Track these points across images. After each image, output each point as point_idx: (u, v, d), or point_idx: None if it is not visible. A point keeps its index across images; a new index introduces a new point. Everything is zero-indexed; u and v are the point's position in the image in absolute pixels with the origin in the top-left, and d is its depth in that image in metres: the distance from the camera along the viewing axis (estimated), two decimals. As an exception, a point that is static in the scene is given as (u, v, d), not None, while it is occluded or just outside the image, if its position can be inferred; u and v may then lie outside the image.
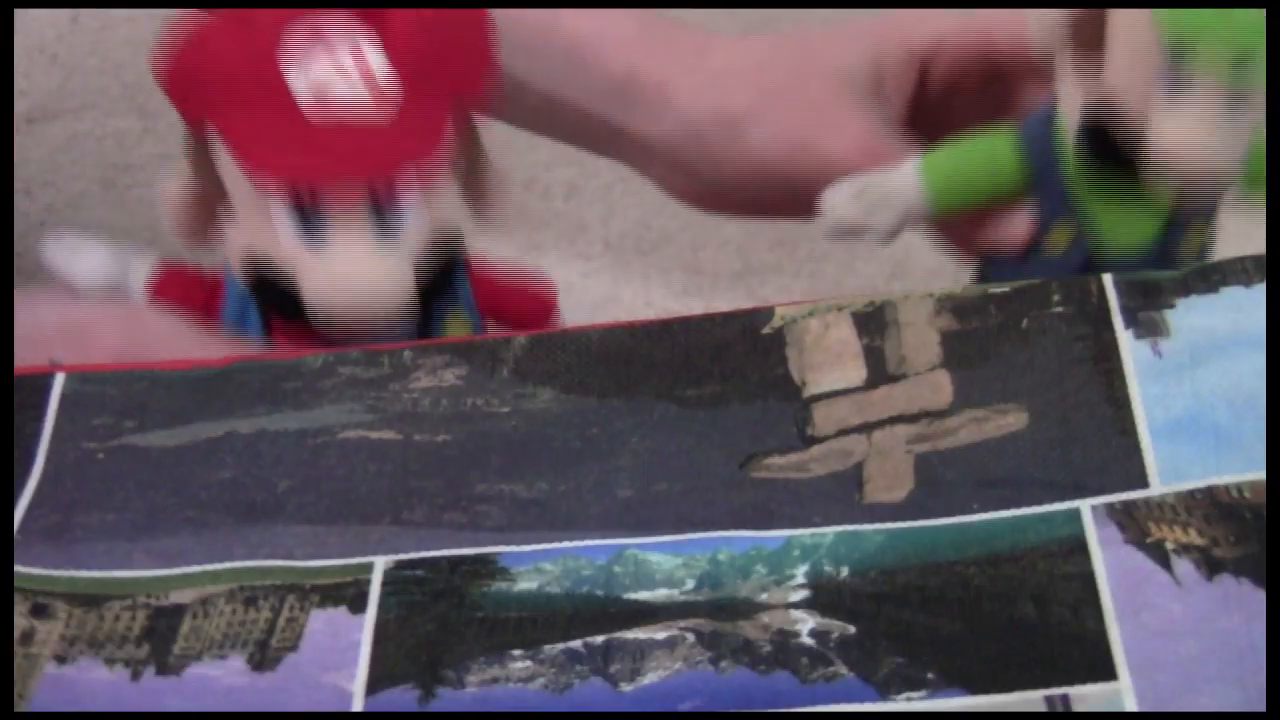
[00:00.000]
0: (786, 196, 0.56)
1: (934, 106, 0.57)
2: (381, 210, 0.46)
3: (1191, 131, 0.45)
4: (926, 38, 0.56)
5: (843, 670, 0.38)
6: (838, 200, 0.52)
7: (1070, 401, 0.42)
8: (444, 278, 0.48)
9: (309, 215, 0.46)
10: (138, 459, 0.44)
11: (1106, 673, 0.37)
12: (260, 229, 0.47)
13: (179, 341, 0.49)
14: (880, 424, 0.43)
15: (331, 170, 0.45)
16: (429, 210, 0.47)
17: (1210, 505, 0.39)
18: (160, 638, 0.40)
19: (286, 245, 0.46)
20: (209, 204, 0.48)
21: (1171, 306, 0.43)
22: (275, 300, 0.47)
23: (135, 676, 0.39)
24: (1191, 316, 0.43)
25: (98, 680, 0.39)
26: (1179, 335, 0.42)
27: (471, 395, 0.45)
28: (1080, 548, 0.39)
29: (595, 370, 0.45)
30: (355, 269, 0.46)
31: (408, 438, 0.44)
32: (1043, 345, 0.43)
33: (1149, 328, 0.43)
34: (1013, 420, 0.42)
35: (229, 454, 0.44)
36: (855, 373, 0.44)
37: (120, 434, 0.45)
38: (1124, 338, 0.43)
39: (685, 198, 0.60)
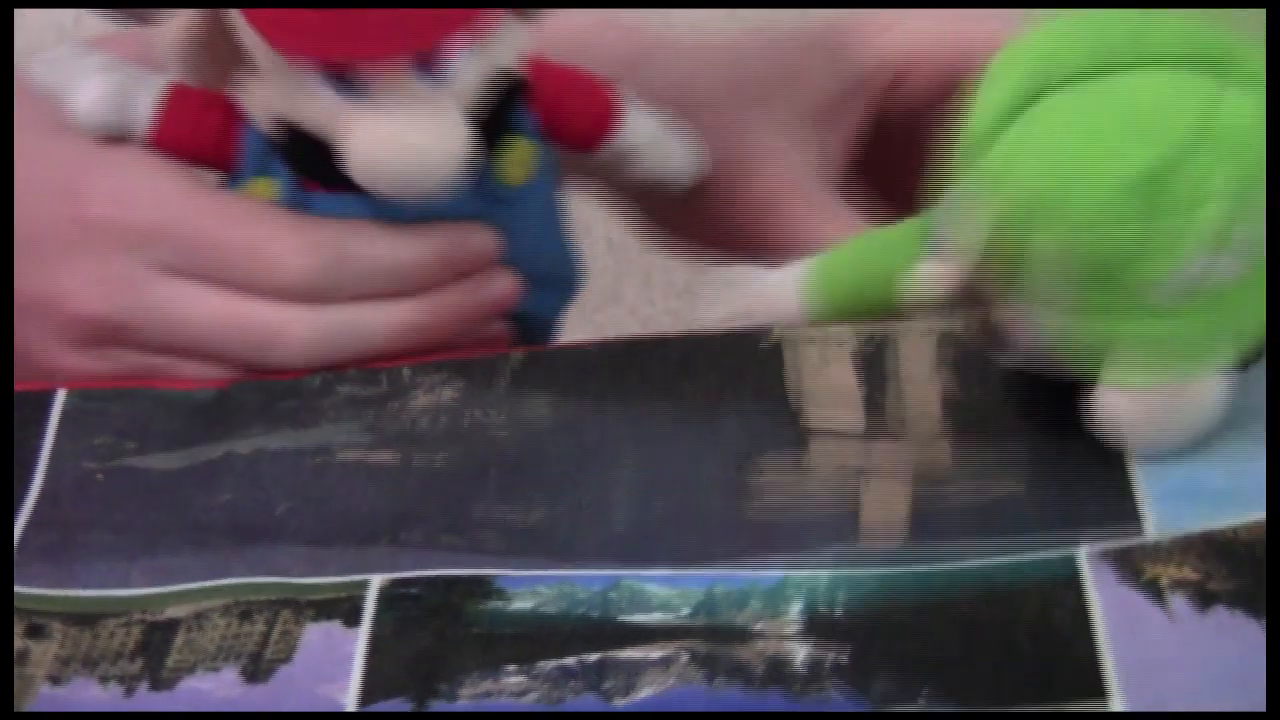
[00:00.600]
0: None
1: (893, 138, 0.54)
2: (429, 68, 0.43)
3: None
4: (899, 48, 0.53)
5: (834, 692, 0.38)
6: (715, 297, 0.48)
7: (1070, 475, 0.42)
8: (501, 113, 0.45)
9: (348, 81, 0.42)
10: (137, 481, 0.44)
11: (1099, 698, 0.37)
12: (290, 86, 0.43)
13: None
14: (878, 474, 0.43)
15: (370, 52, 0.42)
16: (480, 52, 0.44)
17: (1205, 545, 0.39)
18: (154, 652, 0.40)
19: (321, 102, 0.43)
20: (223, 56, 0.43)
21: None
22: (307, 163, 0.44)
23: (129, 693, 0.39)
24: None
25: (91, 700, 0.39)
26: None
27: (469, 409, 0.45)
28: (1075, 585, 0.39)
29: (592, 380, 0.45)
30: (406, 137, 0.42)
31: (406, 460, 0.44)
32: (1044, 418, 0.43)
33: None
34: (1012, 485, 0.42)
35: (228, 476, 0.44)
36: (854, 419, 0.44)
37: (121, 455, 0.45)
38: None
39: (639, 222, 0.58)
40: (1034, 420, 0.43)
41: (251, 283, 0.46)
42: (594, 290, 1.18)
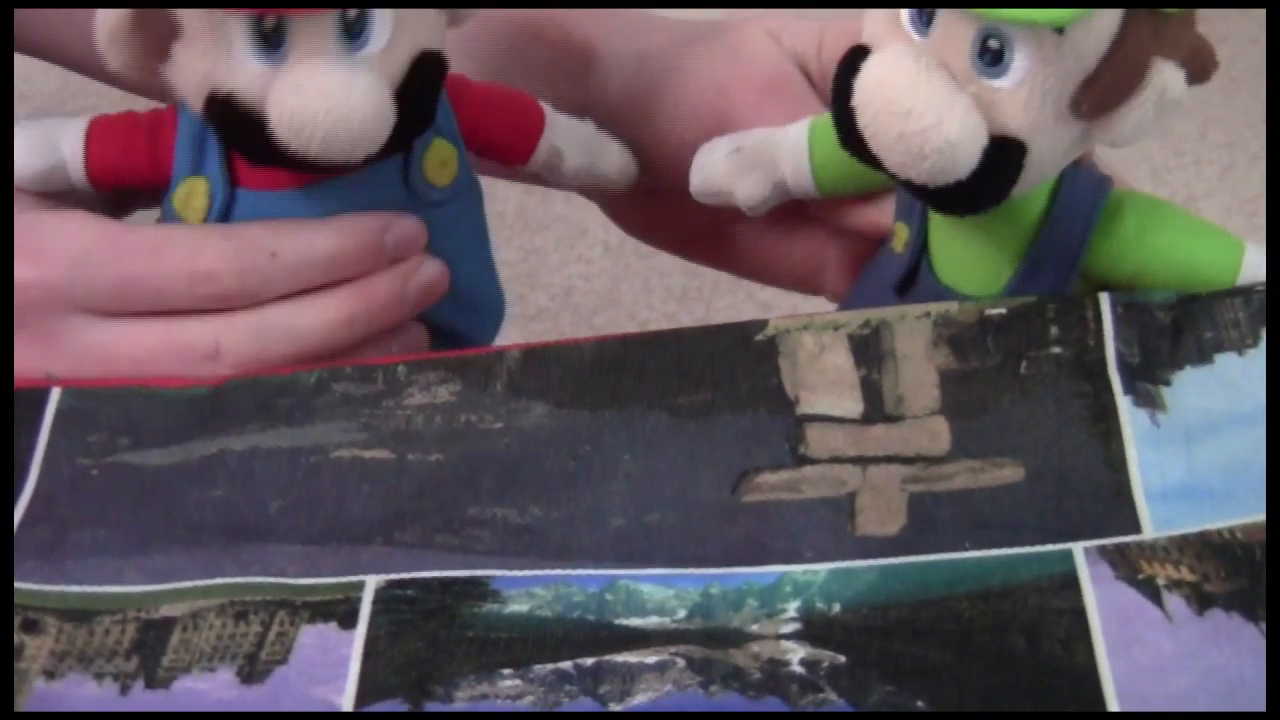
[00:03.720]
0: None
1: None
2: (351, 29, 0.44)
3: None
4: (810, 36, 0.54)
5: (832, 696, 0.38)
6: (710, 158, 0.51)
7: (1068, 462, 0.42)
8: (426, 104, 0.46)
9: (272, 36, 0.44)
10: (131, 477, 0.44)
11: (1096, 707, 0.37)
12: (218, 54, 0.44)
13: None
14: (875, 460, 0.43)
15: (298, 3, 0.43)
16: (400, 21, 0.45)
17: (1202, 545, 0.39)
18: (149, 650, 0.40)
19: (248, 69, 0.44)
20: (154, 32, 0.44)
21: (1167, 383, 0.43)
22: (238, 134, 0.45)
23: (124, 691, 0.39)
24: (1187, 397, 0.43)
25: (86, 696, 0.39)
26: (1175, 413, 0.42)
27: (465, 411, 0.45)
28: (1072, 584, 0.39)
29: (588, 383, 0.45)
30: (327, 87, 0.43)
31: (401, 458, 0.44)
32: (1041, 400, 0.43)
33: (1146, 399, 0.43)
34: (1009, 474, 0.42)
35: (221, 473, 0.44)
36: (851, 404, 0.44)
37: (114, 451, 0.45)
38: (1123, 403, 0.43)
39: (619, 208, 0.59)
40: (1031, 406, 0.43)
41: (189, 301, 0.47)
42: (592, 293, 1.19)
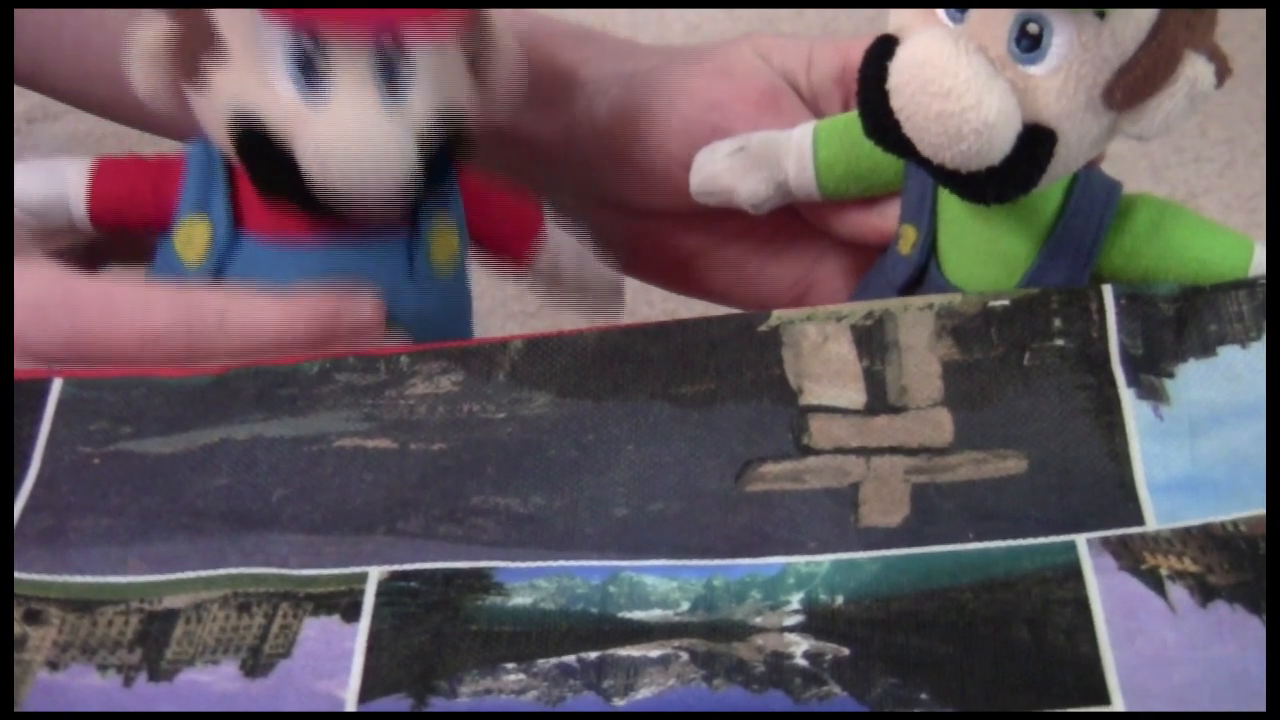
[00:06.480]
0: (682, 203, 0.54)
1: None
2: (389, 70, 0.45)
3: None
4: (799, 54, 0.55)
5: (836, 690, 0.38)
6: (712, 157, 0.51)
7: (1071, 454, 0.42)
8: (444, 163, 0.47)
9: (311, 64, 0.44)
10: (133, 465, 0.44)
11: (1100, 699, 0.37)
12: (255, 78, 0.44)
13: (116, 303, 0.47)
14: (878, 451, 0.43)
15: (345, 15, 0.43)
16: (437, 83, 0.45)
17: (1205, 538, 0.39)
18: (153, 642, 0.40)
19: (283, 96, 0.44)
20: (192, 49, 0.45)
21: (1171, 376, 0.43)
22: (256, 158, 0.45)
23: (127, 683, 0.39)
24: (1190, 390, 0.43)
25: (89, 687, 0.39)
26: (1178, 405, 0.42)
27: (468, 401, 0.45)
28: (1075, 574, 0.39)
29: (591, 371, 0.45)
30: (358, 125, 0.44)
31: (403, 447, 0.44)
32: (1045, 392, 0.43)
33: (1150, 391, 0.43)
34: (1012, 465, 0.42)
35: (224, 461, 0.44)
36: (855, 394, 0.44)
37: (117, 440, 0.45)
38: (1126, 396, 0.43)
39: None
40: (1034, 398, 0.43)
41: (138, 359, 0.47)
42: (591, 291, 1.18)
